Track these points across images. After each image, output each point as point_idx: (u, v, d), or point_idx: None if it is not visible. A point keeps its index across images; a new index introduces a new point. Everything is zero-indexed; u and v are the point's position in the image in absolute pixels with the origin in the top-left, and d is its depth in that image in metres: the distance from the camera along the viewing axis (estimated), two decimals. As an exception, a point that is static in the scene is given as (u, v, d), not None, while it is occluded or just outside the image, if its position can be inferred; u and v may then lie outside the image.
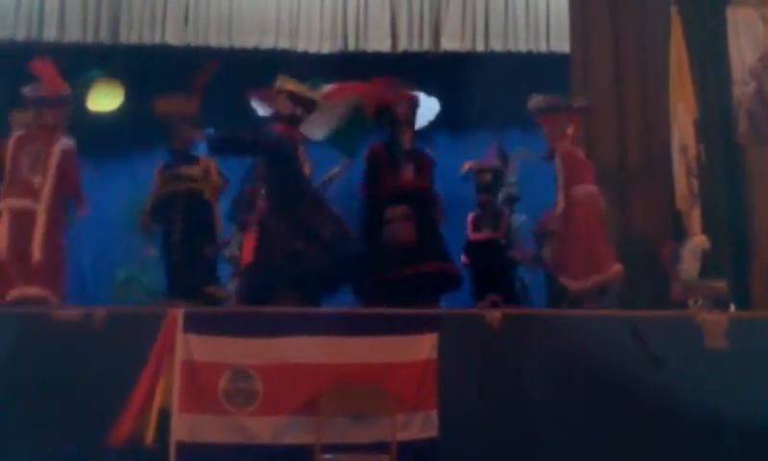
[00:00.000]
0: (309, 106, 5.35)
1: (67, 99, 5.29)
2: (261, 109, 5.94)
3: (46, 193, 4.94)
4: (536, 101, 5.34)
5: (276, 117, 5.34)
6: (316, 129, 5.72)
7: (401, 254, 5.12)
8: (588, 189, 5.11)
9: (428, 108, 6.34)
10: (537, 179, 5.87)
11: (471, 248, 5.91)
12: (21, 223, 4.90)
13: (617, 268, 5.08)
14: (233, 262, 5.92)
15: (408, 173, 5.30)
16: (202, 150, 5.56)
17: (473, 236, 5.91)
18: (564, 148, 5.20)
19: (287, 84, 5.30)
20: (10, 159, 5.02)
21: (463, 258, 5.86)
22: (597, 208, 5.12)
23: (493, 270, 5.74)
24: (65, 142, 5.09)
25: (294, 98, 5.27)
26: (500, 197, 6.06)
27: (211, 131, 5.33)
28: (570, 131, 5.23)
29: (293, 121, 5.28)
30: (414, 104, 5.57)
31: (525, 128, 6.01)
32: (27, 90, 5.18)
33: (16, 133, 5.15)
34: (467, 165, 6.08)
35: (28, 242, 4.85)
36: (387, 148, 5.40)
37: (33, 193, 4.94)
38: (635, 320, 4.43)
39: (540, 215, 5.67)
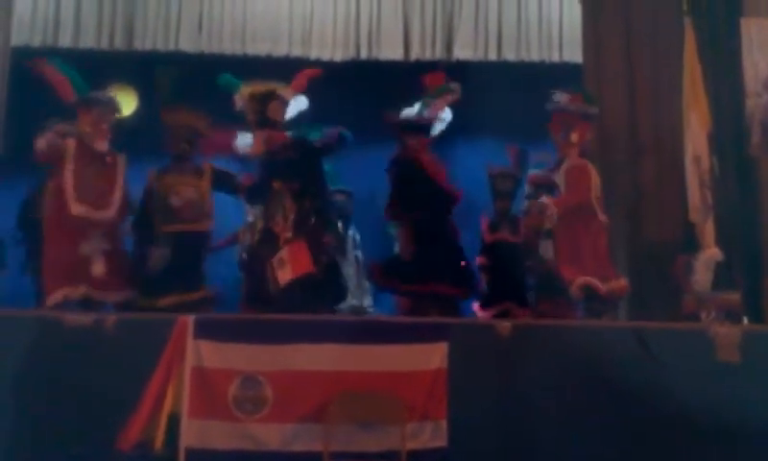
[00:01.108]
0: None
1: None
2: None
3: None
4: (557, 96, 5.33)
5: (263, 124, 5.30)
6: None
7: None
8: (582, 207, 5.11)
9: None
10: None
11: (489, 249, 5.88)
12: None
13: (622, 283, 5.05)
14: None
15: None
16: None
17: (491, 237, 5.88)
18: (571, 158, 5.20)
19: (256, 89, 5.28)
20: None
21: (479, 260, 5.85)
22: (594, 229, 5.10)
23: (513, 271, 5.71)
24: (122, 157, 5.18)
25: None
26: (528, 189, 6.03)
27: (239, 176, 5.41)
28: (575, 137, 5.21)
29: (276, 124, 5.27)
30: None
31: (536, 137, 5.98)
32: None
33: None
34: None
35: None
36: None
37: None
38: (641, 330, 4.42)
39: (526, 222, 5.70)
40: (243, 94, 5.33)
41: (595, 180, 5.22)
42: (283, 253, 4.94)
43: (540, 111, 5.50)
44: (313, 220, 5.13)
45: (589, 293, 5.05)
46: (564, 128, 5.28)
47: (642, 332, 4.39)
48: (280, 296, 4.86)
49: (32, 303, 5.01)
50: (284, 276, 4.90)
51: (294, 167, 5.16)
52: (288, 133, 5.37)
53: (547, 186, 5.59)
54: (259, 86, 5.34)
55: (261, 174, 5.28)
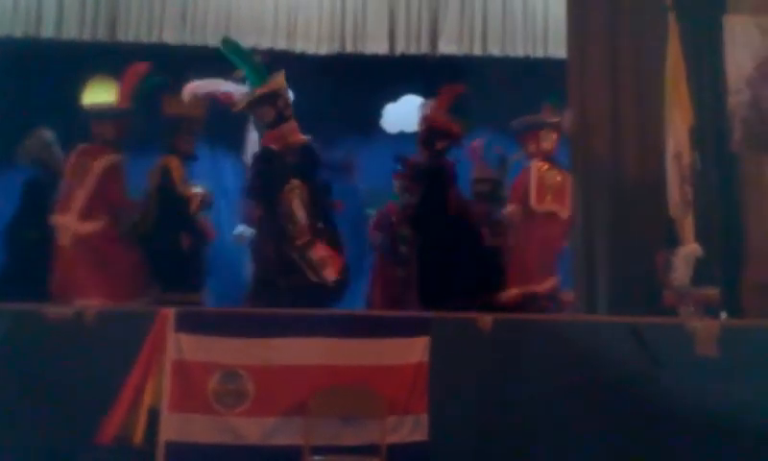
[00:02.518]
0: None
1: (127, 112, 5.35)
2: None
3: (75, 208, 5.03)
4: (514, 124, 5.44)
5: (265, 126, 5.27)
6: None
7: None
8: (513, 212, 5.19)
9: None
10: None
11: None
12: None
13: (545, 286, 5.09)
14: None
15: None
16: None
17: None
18: (535, 165, 5.25)
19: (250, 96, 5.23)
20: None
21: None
22: (545, 232, 5.13)
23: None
24: (110, 158, 5.14)
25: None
26: None
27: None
28: (532, 147, 5.29)
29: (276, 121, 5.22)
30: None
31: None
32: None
33: (80, 147, 5.18)
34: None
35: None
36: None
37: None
38: (635, 323, 4.44)
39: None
40: (250, 96, 5.25)
41: (540, 182, 5.22)
42: (319, 252, 4.98)
43: (525, 107, 5.53)
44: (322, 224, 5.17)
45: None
46: (523, 140, 5.40)
47: (637, 327, 4.41)
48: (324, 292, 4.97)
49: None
50: (330, 274, 4.99)
51: (304, 169, 5.18)
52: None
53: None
54: (262, 87, 5.25)
55: (269, 171, 5.22)
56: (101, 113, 5.26)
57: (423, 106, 5.92)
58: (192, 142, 5.48)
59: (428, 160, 5.57)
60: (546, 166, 5.21)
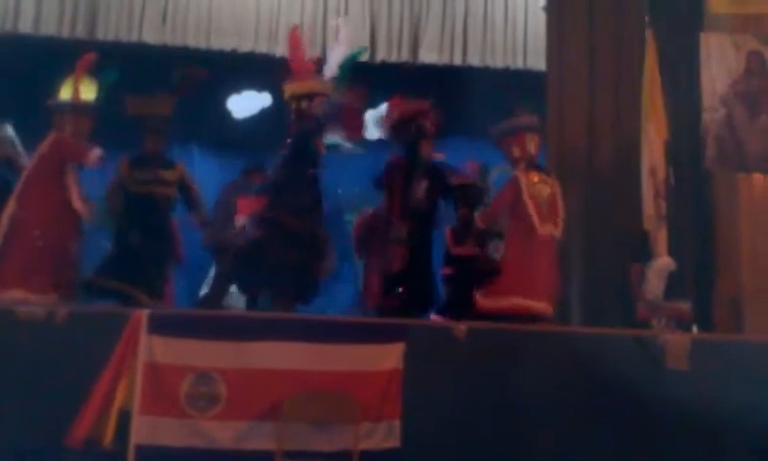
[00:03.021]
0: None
1: (86, 107, 5.29)
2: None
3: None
4: (494, 130, 5.43)
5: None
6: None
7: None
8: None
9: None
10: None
11: (455, 261, 5.89)
12: None
13: (541, 306, 5.01)
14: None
15: (420, 191, 5.38)
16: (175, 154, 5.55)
17: (457, 251, 5.89)
18: (513, 176, 5.22)
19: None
20: None
21: (445, 270, 5.86)
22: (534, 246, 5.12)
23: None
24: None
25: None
26: None
27: None
28: (516, 152, 5.23)
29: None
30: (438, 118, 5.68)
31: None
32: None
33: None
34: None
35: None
36: (407, 162, 5.49)
37: None
38: (639, 335, 4.53)
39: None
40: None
41: (531, 188, 5.18)
42: None
43: (503, 117, 5.54)
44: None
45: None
46: (506, 145, 5.33)
47: (643, 337, 4.46)
48: None
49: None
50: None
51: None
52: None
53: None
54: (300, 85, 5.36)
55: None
56: (61, 107, 5.19)
57: (376, 114, 5.95)
58: (160, 142, 5.43)
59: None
60: (536, 178, 5.14)
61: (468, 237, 5.82)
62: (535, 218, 5.00)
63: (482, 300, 5.03)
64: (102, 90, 5.37)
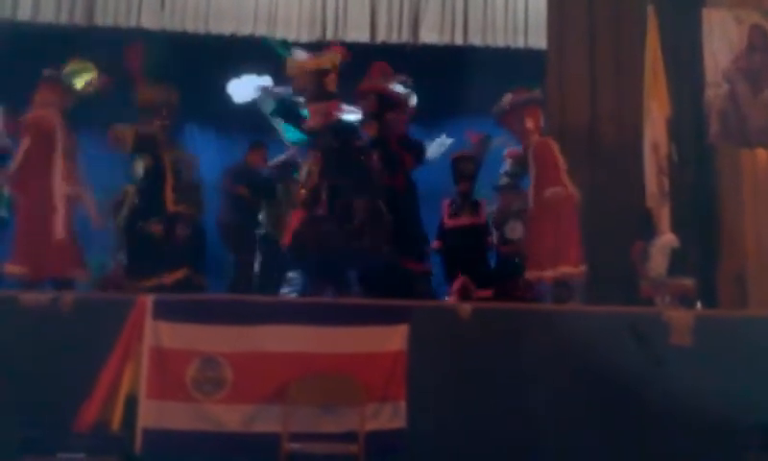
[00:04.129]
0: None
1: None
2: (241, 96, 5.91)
3: None
4: (494, 109, 5.43)
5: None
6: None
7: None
8: (557, 192, 5.11)
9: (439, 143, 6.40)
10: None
11: (447, 233, 5.93)
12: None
13: (580, 269, 5.09)
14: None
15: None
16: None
17: (450, 222, 5.92)
18: (534, 141, 5.24)
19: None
20: None
21: (435, 243, 5.89)
22: (567, 209, 5.12)
23: (471, 255, 5.77)
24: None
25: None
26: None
27: None
28: (530, 123, 5.27)
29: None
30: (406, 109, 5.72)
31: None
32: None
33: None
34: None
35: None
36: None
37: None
38: (633, 319, 4.48)
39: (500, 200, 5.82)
40: (301, 67, 5.31)
41: (559, 154, 5.23)
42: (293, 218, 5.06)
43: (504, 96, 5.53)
44: None
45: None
46: (516, 120, 5.34)
47: (635, 321, 4.45)
48: None
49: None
50: (285, 239, 5.04)
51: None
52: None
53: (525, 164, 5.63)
54: (314, 60, 5.33)
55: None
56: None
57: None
58: (166, 129, 5.45)
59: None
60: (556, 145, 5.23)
61: (463, 210, 5.87)
62: (566, 180, 5.07)
63: (534, 272, 5.08)
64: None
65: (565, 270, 5.01)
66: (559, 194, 5.10)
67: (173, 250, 5.24)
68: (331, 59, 5.30)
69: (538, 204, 5.16)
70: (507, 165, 6.01)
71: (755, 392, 4.27)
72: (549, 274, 5.02)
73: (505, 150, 6.03)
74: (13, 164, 4.96)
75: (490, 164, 6.11)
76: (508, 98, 5.43)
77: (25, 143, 4.92)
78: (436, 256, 5.86)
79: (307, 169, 5.13)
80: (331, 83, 5.29)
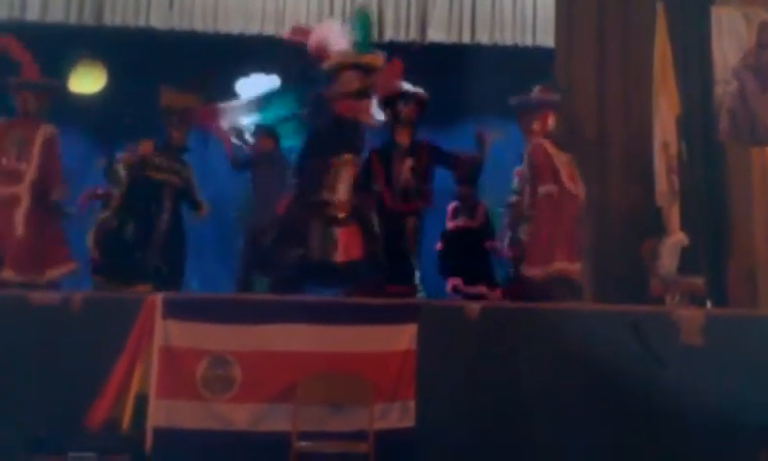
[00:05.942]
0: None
1: (50, 85, 5.31)
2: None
3: (28, 179, 4.95)
4: (513, 100, 5.42)
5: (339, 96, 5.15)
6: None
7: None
8: (549, 190, 5.10)
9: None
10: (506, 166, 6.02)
11: (448, 236, 5.97)
12: (7, 209, 4.91)
13: (576, 266, 5.07)
14: None
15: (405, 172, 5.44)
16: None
17: (450, 224, 5.98)
18: (534, 144, 5.23)
19: (347, 57, 5.18)
20: None
21: (438, 245, 5.93)
22: (563, 208, 5.10)
23: (467, 257, 5.79)
24: (48, 130, 5.07)
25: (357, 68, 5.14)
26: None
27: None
28: (537, 125, 5.26)
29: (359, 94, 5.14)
30: (423, 102, 5.70)
31: (507, 120, 6.00)
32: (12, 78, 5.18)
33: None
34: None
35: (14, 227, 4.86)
36: (382, 149, 5.55)
37: (19, 180, 4.95)
38: (635, 318, 4.47)
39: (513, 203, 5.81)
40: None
41: (557, 155, 5.22)
42: (344, 234, 4.95)
43: (512, 95, 5.52)
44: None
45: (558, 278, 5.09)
46: (526, 119, 5.34)
47: (637, 320, 4.44)
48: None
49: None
50: (339, 256, 4.94)
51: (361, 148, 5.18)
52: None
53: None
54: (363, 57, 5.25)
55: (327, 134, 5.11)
56: (22, 85, 5.19)
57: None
58: (184, 134, 5.47)
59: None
60: (551, 149, 5.22)
61: (460, 213, 5.89)
62: (564, 175, 5.05)
63: (528, 268, 5.07)
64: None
65: (560, 266, 4.99)
66: (552, 192, 5.08)
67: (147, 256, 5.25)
68: (375, 59, 5.28)
69: (532, 202, 5.16)
70: (515, 183, 5.99)
71: (766, 391, 4.25)
72: (542, 270, 5.00)
73: (514, 168, 6.00)
74: None
75: (498, 173, 6.11)
76: (535, 92, 5.43)
77: None
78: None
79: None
80: (370, 84, 5.21)
